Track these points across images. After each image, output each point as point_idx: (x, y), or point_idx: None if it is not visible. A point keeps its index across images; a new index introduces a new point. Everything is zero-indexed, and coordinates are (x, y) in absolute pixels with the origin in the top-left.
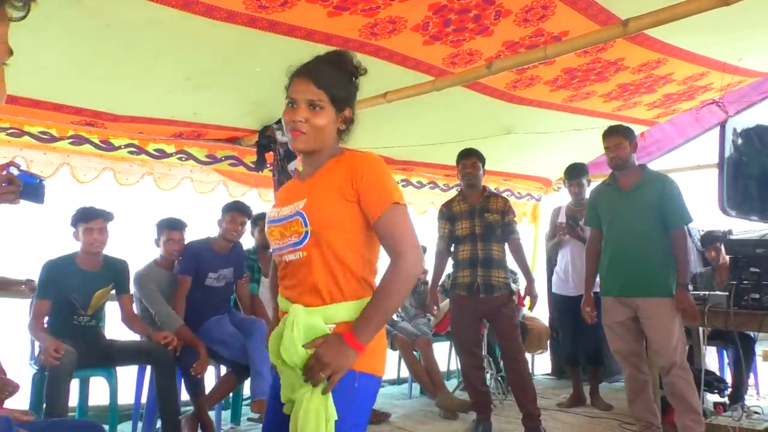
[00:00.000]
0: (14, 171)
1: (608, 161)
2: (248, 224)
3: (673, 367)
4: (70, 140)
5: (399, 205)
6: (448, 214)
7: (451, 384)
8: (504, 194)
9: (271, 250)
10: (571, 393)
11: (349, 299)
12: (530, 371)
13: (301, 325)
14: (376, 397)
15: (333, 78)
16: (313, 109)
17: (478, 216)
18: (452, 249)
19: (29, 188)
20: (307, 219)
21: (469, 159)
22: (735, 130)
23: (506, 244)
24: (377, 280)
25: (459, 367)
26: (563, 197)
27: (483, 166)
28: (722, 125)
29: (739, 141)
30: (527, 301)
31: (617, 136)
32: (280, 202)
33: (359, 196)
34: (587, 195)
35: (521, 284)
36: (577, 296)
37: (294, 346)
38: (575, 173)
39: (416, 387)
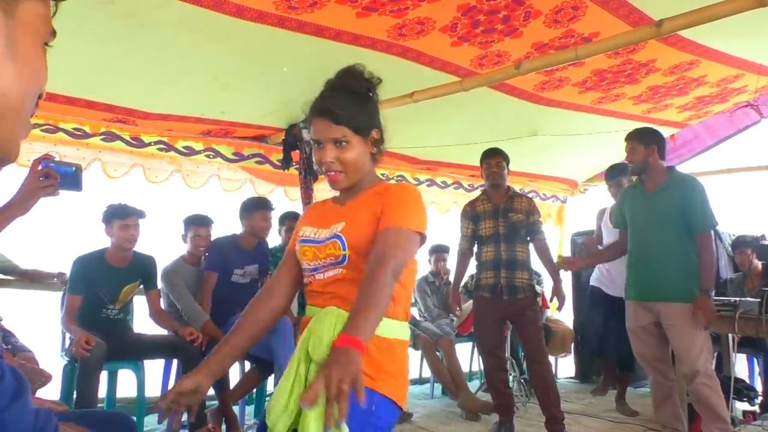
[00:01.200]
0: (51, 164)
1: (628, 165)
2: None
3: (697, 375)
4: (102, 137)
5: (410, 230)
6: (471, 213)
7: (474, 385)
8: (529, 195)
9: (303, 268)
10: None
11: (387, 317)
12: (554, 374)
13: (336, 320)
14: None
15: (349, 107)
16: (340, 145)
17: (502, 216)
18: (475, 249)
19: (67, 178)
20: (346, 243)
21: (494, 158)
22: None
23: (531, 244)
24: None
25: (481, 368)
26: (589, 199)
27: (507, 165)
28: None
29: None
30: (553, 303)
31: (631, 141)
32: (315, 222)
33: (382, 215)
34: None
35: (546, 286)
36: (614, 297)
37: (321, 338)
38: (612, 173)
39: (438, 387)
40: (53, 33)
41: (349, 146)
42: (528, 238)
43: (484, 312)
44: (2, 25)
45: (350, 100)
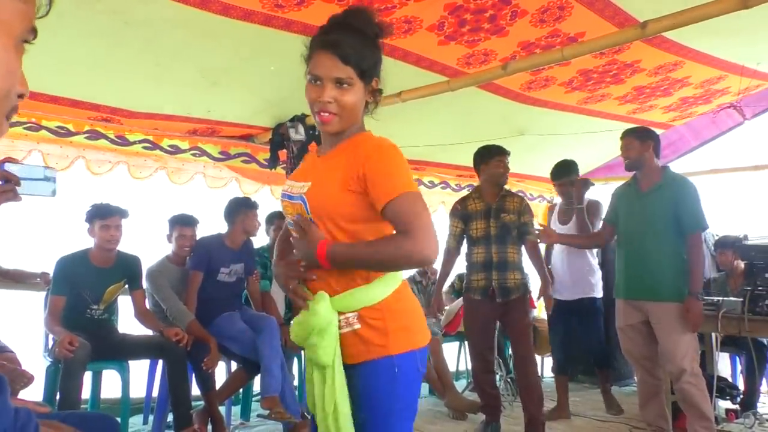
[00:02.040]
0: (12, 167)
1: (623, 162)
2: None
3: (683, 374)
4: (86, 135)
5: (409, 192)
6: (462, 212)
7: (461, 384)
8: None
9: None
10: (556, 405)
11: (370, 280)
12: (539, 374)
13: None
14: (426, 365)
15: (359, 48)
16: (341, 86)
17: (494, 216)
18: (465, 250)
19: (34, 183)
20: (308, 206)
21: (504, 157)
22: None
23: (522, 245)
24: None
25: (468, 367)
26: None
27: None
28: None
29: None
30: (539, 303)
31: (627, 137)
32: (295, 175)
33: (366, 184)
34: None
35: (534, 285)
36: (566, 300)
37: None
38: (558, 173)
39: (425, 387)
40: (34, 31)
41: (351, 89)
42: (519, 239)
43: (475, 315)
44: None
45: (360, 41)
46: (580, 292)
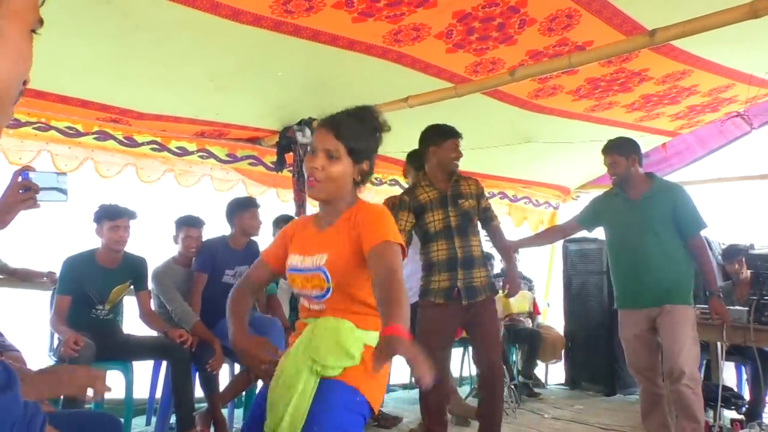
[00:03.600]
0: (31, 175)
1: (610, 177)
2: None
3: (682, 376)
4: (95, 136)
5: (390, 242)
6: (413, 204)
7: (464, 390)
8: (521, 201)
9: (294, 292)
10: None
11: (371, 329)
12: (544, 382)
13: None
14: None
15: (354, 131)
16: (330, 158)
17: (452, 204)
18: (420, 246)
19: (50, 189)
20: (329, 275)
21: (458, 140)
22: None
23: (484, 229)
24: None
25: (472, 373)
26: (581, 206)
27: None
28: None
29: None
30: (544, 309)
31: (611, 155)
32: (300, 249)
33: (360, 237)
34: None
35: (537, 291)
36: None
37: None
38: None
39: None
40: (40, 21)
41: (337, 162)
42: (480, 226)
43: (437, 322)
44: None
45: (357, 126)
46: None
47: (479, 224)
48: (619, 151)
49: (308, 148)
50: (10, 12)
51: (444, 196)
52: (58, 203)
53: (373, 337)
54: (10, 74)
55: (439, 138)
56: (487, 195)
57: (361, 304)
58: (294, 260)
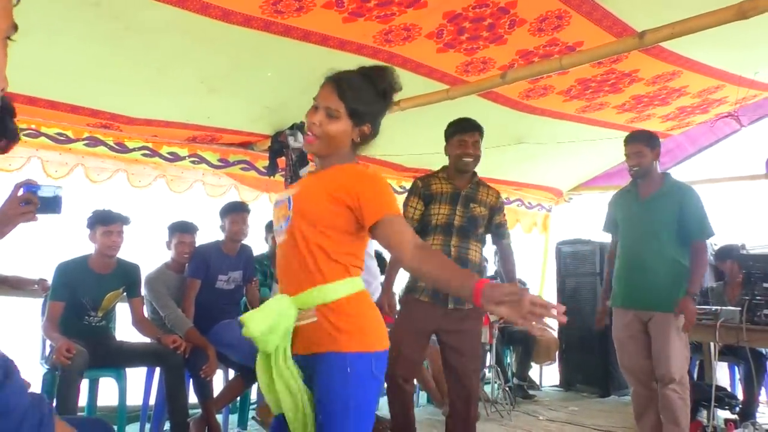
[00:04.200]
0: (32, 189)
1: (629, 169)
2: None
3: (671, 382)
4: (85, 142)
5: (392, 215)
6: (424, 191)
7: None
8: (514, 204)
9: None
10: None
11: (329, 281)
12: (539, 383)
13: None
14: (383, 373)
15: (358, 91)
16: (329, 116)
17: (462, 204)
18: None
19: (47, 202)
20: (292, 204)
21: (473, 135)
22: None
23: (495, 245)
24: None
25: None
26: (574, 208)
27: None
28: None
29: None
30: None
31: (637, 144)
32: (288, 188)
33: (354, 206)
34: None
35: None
36: None
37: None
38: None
39: (423, 395)
40: (15, 27)
41: (336, 121)
42: (486, 236)
43: (415, 321)
44: None
45: (362, 87)
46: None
47: (491, 238)
48: (647, 141)
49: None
50: None
51: (458, 194)
52: (53, 216)
53: (329, 291)
54: None
55: (448, 135)
56: None
57: (319, 249)
58: (275, 197)
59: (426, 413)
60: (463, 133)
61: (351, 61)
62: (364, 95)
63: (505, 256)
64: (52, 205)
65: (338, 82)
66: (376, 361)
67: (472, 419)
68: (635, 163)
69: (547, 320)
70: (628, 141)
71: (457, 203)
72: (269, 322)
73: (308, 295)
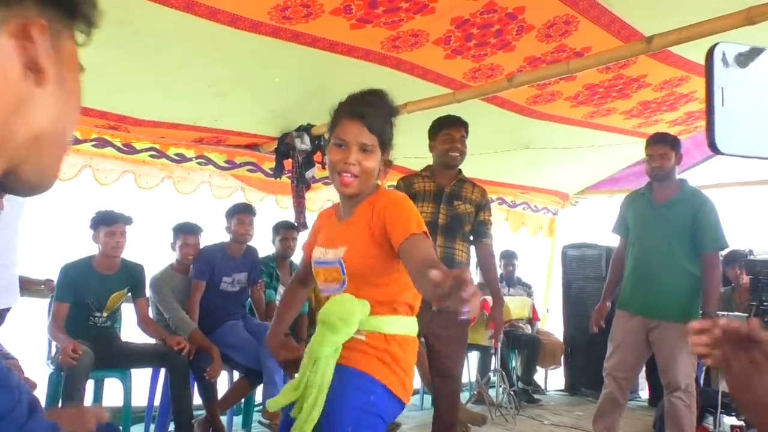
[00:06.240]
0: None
1: (649, 171)
2: (271, 231)
3: (677, 390)
4: (93, 143)
5: (416, 234)
6: (406, 191)
7: (464, 396)
8: (520, 207)
9: (319, 287)
10: None
11: (392, 315)
12: (544, 387)
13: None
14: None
15: (381, 122)
16: (365, 152)
17: (446, 202)
18: None
19: None
20: (345, 267)
21: (459, 130)
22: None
23: (473, 246)
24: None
25: (472, 379)
26: (580, 212)
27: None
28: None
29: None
30: (543, 315)
31: (663, 146)
32: (325, 243)
33: (385, 230)
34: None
35: (536, 297)
36: None
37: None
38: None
39: (428, 398)
40: (82, 68)
41: (372, 155)
42: (471, 237)
43: None
44: (55, 61)
45: (381, 116)
46: None
47: (472, 238)
48: (673, 144)
49: (331, 140)
50: (66, 59)
51: (441, 191)
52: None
53: (385, 322)
54: (72, 118)
55: (434, 130)
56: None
57: (376, 289)
58: (317, 253)
59: (430, 415)
60: (450, 128)
61: (359, 67)
62: (385, 123)
63: (485, 264)
64: None
65: (364, 117)
66: (394, 406)
67: (455, 420)
68: (658, 165)
69: (553, 324)
70: (654, 142)
71: (441, 201)
72: (346, 314)
73: (372, 319)
